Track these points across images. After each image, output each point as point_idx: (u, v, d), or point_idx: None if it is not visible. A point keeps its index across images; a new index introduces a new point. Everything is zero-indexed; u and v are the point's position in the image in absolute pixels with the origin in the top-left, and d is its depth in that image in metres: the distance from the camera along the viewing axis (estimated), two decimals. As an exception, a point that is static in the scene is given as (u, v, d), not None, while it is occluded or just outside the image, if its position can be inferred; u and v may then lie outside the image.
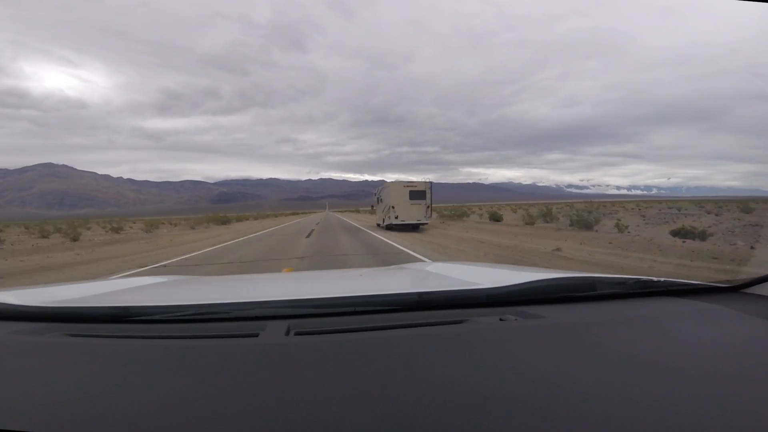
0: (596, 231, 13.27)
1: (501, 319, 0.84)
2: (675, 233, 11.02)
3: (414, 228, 16.63)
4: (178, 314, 0.90)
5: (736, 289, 1.01)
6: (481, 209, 48.47)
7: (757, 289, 0.99)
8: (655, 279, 1.04)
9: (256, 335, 0.76)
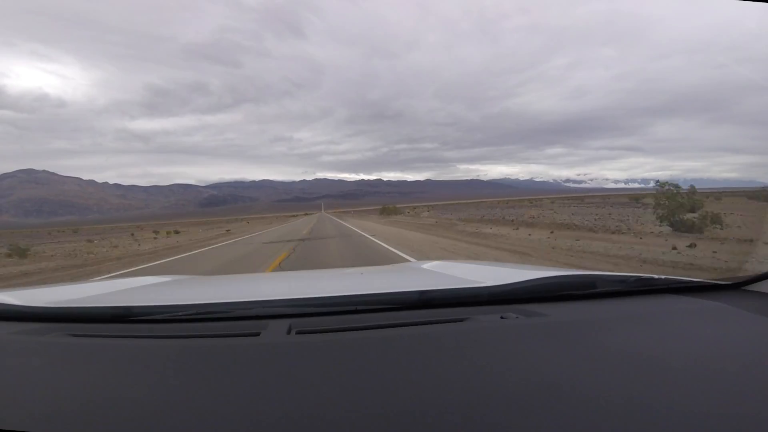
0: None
1: (502, 318, 0.85)
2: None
3: None
4: (180, 314, 0.89)
5: (737, 287, 1.03)
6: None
7: (758, 287, 1.00)
8: (656, 277, 1.05)
9: (258, 334, 0.76)
